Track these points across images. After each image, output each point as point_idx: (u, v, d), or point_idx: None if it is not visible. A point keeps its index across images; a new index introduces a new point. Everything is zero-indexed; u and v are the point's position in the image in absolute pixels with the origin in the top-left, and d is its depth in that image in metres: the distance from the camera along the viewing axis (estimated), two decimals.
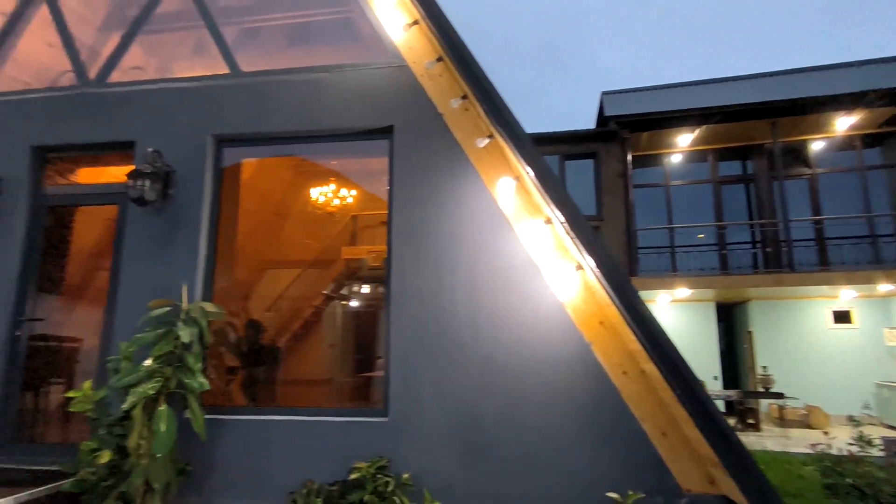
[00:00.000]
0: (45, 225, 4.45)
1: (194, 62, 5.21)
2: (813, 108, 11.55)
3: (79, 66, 4.68)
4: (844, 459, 4.98)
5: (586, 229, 3.28)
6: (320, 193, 9.89)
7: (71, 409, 3.45)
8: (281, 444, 3.65)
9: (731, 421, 11.81)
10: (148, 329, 3.61)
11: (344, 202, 9.96)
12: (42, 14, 5.04)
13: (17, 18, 5.01)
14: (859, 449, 5.06)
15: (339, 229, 11.72)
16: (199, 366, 3.53)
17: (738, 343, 14.42)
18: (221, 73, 4.43)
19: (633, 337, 3.23)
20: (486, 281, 3.73)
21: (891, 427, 11.59)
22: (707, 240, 13.18)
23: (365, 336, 11.99)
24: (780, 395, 11.32)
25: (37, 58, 5.27)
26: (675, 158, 13.63)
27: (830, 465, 4.97)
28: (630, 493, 3.12)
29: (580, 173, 12.58)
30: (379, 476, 3.29)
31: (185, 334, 3.49)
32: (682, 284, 11.47)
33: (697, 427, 2.90)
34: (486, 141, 3.75)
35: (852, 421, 6.89)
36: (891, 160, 12.57)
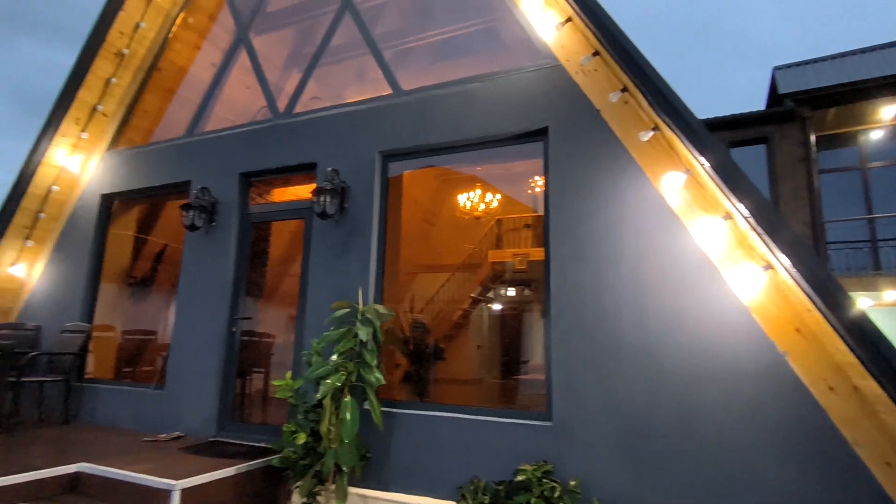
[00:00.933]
0: (250, 238, 5.25)
1: (362, 86, 5.76)
2: None
3: (271, 102, 5.46)
4: None
5: (777, 223, 2.91)
6: (467, 199, 10.22)
7: (276, 396, 4.01)
8: (448, 439, 3.82)
9: None
10: (332, 328, 4.05)
11: (489, 207, 10.17)
12: (241, 61, 6.00)
13: (224, 67, 6.02)
14: None
15: (485, 233, 11.99)
16: (374, 362, 3.87)
17: None
18: (385, 93, 4.82)
19: (842, 347, 2.77)
20: (653, 281, 3.50)
21: None
22: None
23: (511, 338, 12.09)
24: None
25: (238, 98, 6.29)
26: (875, 136, 11.39)
27: None
28: None
29: (749, 161, 11.16)
30: (544, 480, 3.27)
31: (363, 333, 3.85)
32: (890, 286, 9.55)
33: None
34: (651, 133, 3.53)
35: None
36: None
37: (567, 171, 3.91)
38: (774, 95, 11.70)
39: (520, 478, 3.34)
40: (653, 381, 3.39)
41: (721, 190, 3.10)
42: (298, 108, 5.30)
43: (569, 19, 3.96)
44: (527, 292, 12.18)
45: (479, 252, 12.09)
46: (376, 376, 3.79)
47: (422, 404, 4.12)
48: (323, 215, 4.41)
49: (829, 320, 2.75)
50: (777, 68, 12.11)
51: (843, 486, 2.88)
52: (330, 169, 4.53)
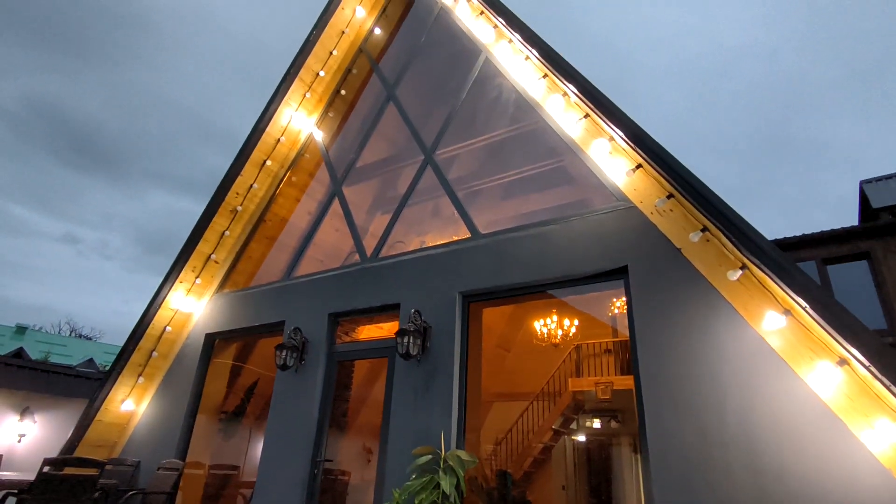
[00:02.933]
0: (335, 376, 5.42)
1: (442, 230, 6.18)
2: None
3: (360, 247, 5.96)
4: None
5: None
6: (543, 325, 10.06)
7: None
8: None
9: None
10: (414, 476, 3.93)
11: (567, 333, 9.92)
12: (333, 208, 6.71)
13: (320, 217, 6.74)
14: None
15: (563, 359, 11.55)
16: None
17: None
18: (464, 237, 5.13)
19: None
20: (766, 435, 3.15)
21: None
22: None
23: (599, 477, 10.95)
24: None
25: (328, 240, 6.93)
26: None
27: None
28: None
29: (850, 278, 10.32)
30: None
31: (446, 484, 3.69)
32: None
33: None
34: (739, 273, 3.43)
35: None
36: None
37: (653, 310, 3.82)
38: (867, 209, 11.10)
39: None
40: None
41: (828, 332, 2.88)
42: (384, 252, 5.72)
43: (639, 166, 4.16)
44: (613, 424, 11.25)
45: (559, 380, 11.56)
46: None
47: None
48: (406, 356, 4.51)
49: None
50: (864, 182, 11.65)
51: None
52: (413, 310, 4.73)
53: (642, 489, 3.48)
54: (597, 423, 11.50)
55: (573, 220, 4.50)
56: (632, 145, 4.01)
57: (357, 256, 5.95)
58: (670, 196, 3.90)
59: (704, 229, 3.66)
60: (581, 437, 12.05)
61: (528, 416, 11.46)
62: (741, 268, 3.43)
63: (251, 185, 7.16)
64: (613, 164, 4.44)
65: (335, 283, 5.80)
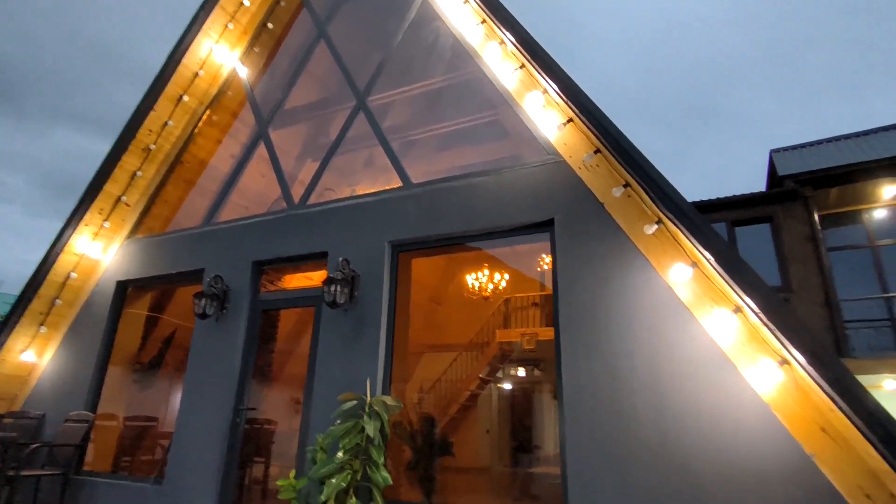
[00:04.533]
0: (258, 326, 5.27)
1: (373, 178, 6.02)
2: None
3: (286, 192, 5.70)
4: None
5: (787, 317, 2.89)
6: (475, 280, 10.27)
7: (280, 497, 3.84)
8: None
9: None
10: (339, 421, 3.95)
11: (497, 286, 10.19)
12: (259, 152, 6.33)
13: (244, 160, 6.35)
14: None
15: (493, 312, 11.93)
16: (381, 459, 3.73)
17: None
18: (395, 186, 5.03)
19: (873, 452, 2.64)
20: (669, 377, 3.42)
21: None
22: None
23: (521, 421, 11.64)
24: None
25: (254, 186, 6.57)
26: (879, 214, 11.51)
27: None
28: None
29: (755, 240, 11.24)
30: None
31: (370, 428, 3.74)
32: None
33: None
34: (655, 227, 3.61)
35: None
36: None
37: (575, 263, 3.96)
38: (774, 176, 12.01)
39: None
40: (671, 481, 3.22)
41: (728, 283, 3.12)
42: (313, 199, 5.51)
43: (570, 120, 4.19)
44: (536, 372, 11.90)
45: (487, 331, 11.97)
46: (383, 475, 3.64)
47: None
48: (333, 305, 4.44)
49: (852, 421, 2.65)
50: (774, 151, 12.54)
51: None
52: (341, 259, 4.62)
53: (558, 426, 3.70)
54: (521, 372, 12.12)
55: (504, 172, 4.51)
56: (564, 99, 4.03)
57: (284, 203, 5.69)
58: (597, 151, 3.99)
59: (626, 185, 3.79)
60: (506, 385, 12.70)
61: (457, 365, 11.86)
62: (657, 222, 3.61)
63: (166, 122, 6.58)
64: (546, 117, 4.45)
65: (260, 230, 5.54)
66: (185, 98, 6.63)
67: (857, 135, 12.31)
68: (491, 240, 4.56)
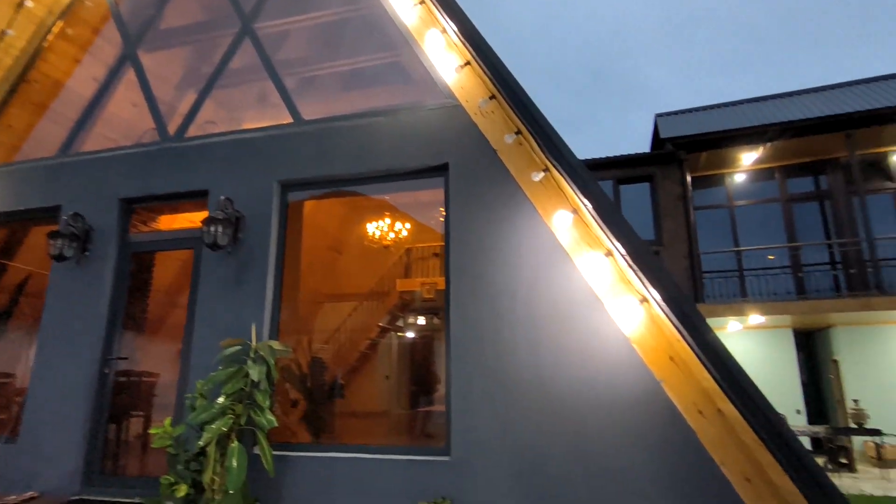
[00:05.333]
0: (129, 270, 4.80)
1: (261, 113, 5.57)
2: (890, 119, 10.78)
3: (160, 123, 5.11)
4: None
5: (650, 261, 3.18)
6: (375, 228, 10.16)
7: (153, 446, 3.63)
8: (344, 481, 3.67)
9: (820, 460, 10.79)
10: (221, 367, 3.78)
11: (398, 236, 10.18)
12: (128, 77, 5.58)
13: (108, 83, 5.56)
14: None
15: (394, 262, 11.96)
16: (267, 403, 3.65)
17: (823, 373, 13.29)
18: (285, 122, 4.71)
19: (706, 374, 3.05)
20: (546, 316, 3.66)
21: None
22: (779, 262, 12.38)
23: (421, 367, 12.03)
24: (876, 432, 10.27)
25: (125, 117, 5.83)
26: (739, 178, 13.02)
27: None
28: None
29: (636, 197, 12.25)
30: None
31: (255, 372, 3.63)
32: (755, 311, 10.79)
33: (786, 473, 2.67)
34: (542, 175, 3.75)
35: None
36: None
37: (466, 207, 4.03)
38: (657, 139, 13.02)
39: None
40: (547, 412, 3.51)
41: (602, 229, 3.35)
42: (191, 132, 5.01)
43: (467, 63, 4.15)
44: (435, 321, 12.26)
45: (388, 281, 12.03)
46: (268, 418, 3.57)
47: (318, 446, 3.94)
48: (213, 246, 4.15)
49: (694, 349, 3.03)
50: (659, 115, 13.53)
51: (710, 501, 3.13)
52: (223, 197, 4.30)
53: (445, 366, 3.84)
54: (421, 320, 12.41)
55: (401, 113, 4.40)
56: (462, 40, 3.96)
57: (157, 135, 5.11)
58: (492, 97, 4.00)
59: (518, 132, 3.86)
60: (408, 334, 12.97)
61: (358, 314, 11.85)
62: (544, 170, 3.74)
63: (4, 31, 5.53)
64: (445, 59, 4.36)
65: (129, 165, 4.96)
66: (29, 3, 5.59)
67: (729, 104, 13.60)
68: (386, 183, 4.48)
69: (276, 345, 3.89)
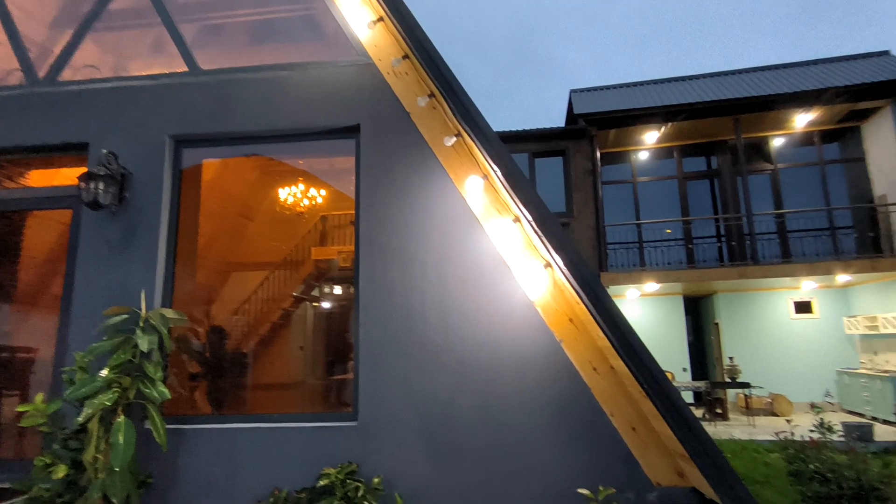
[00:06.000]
0: None
1: (151, 60, 5.02)
2: (774, 105, 11.92)
3: (27, 64, 4.45)
4: (807, 446, 5.14)
5: (554, 227, 3.29)
6: (289, 194, 9.72)
7: (22, 425, 3.28)
8: (247, 452, 3.55)
9: (700, 411, 12.13)
10: (105, 338, 3.46)
11: (313, 202, 9.82)
12: None
13: None
14: (820, 435, 5.24)
15: (309, 230, 11.56)
16: (159, 374, 3.40)
17: (706, 335, 14.82)
18: (180, 71, 4.28)
19: (601, 334, 3.25)
20: (456, 280, 3.70)
21: (851, 413, 12.08)
22: (674, 235, 13.49)
23: (337, 337, 11.87)
24: (746, 385, 11.67)
25: None
26: (643, 155, 13.89)
27: (795, 452, 5.13)
28: (601, 488, 3.14)
29: (550, 171, 12.70)
30: (348, 481, 3.24)
31: (144, 342, 3.36)
32: (651, 279, 11.71)
33: (665, 421, 2.93)
34: (454, 139, 3.72)
35: (814, 408, 7.13)
36: (848, 155, 13.09)
37: (378, 171, 3.92)
38: (571, 114, 13.48)
39: (323, 482, 3.25)
40: (454, 375, 3.58)
41: (510, 196, 3.41)
42: (67, 76, 4.41)
43: (381, 18, 3.98)
44: (352, 290, 12.10)
45: (303, 249, 11.63)
46: (160, 391, 3.33)
47: (218, 417, 3.76)
48: (94, 205, 3.73)
49: (591, 311, 3.21)
50: (573, 91, 13.98)
51: (600, 448, 3.38)
52: (105, 151, 3.85)
53: (353, 333, 3.79)
54: (338, 290, 12.18)
55: (310, 69, 4.15)
56: None
57: (23, 78, 4.45)
58: (406, 57, 3.89)
59: (431, 95, 3.80)
60: (322, 303, 12.69)
61: (270, 284, 11.39)
62: (456, 135, 3.72)
63: None
64: (358, 14, 4.15)
65: None
66: None
67: (638, 84, 14.33)
68: (294, 143, 4.24)
69: (169, 313, 3.61)
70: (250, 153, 4.66)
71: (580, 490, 3.17)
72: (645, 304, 13.83)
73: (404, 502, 3.35)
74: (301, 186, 9.68)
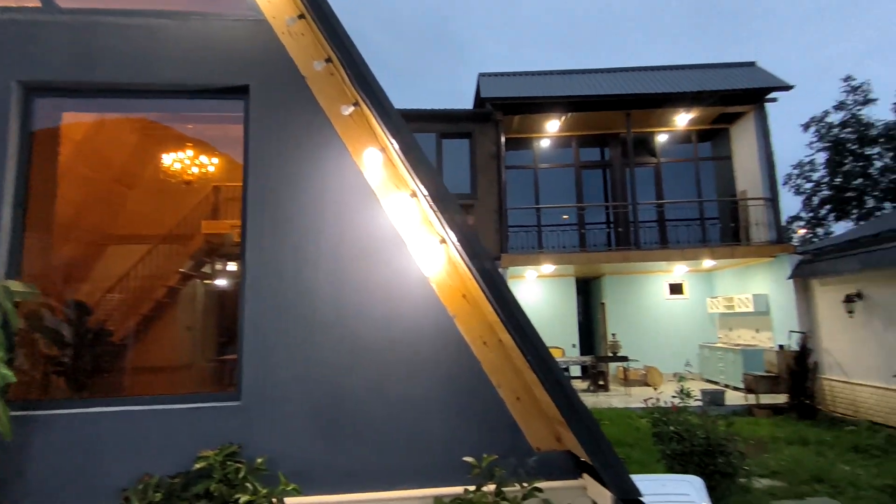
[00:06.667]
0: None
1: None
2: (659, 103, 12.97)
3: None
4: (669, 411, 5.76)
5: (449, 204, 3.31)
6: (175, 160, 8.89)
7: None
8: (112, 438, 3.23)
9: (585, 383, 13.15)
10: None
11: (203, 171, 9.07)
12: None
13: None
14: (680, 401, 5.90)
15: (199, 201, 10.70)
16: (2, 355, 2.97)
17: (595, 314, 16.01)
18: (31, 6, 3.69)
19: (491, 309, 3.35)
20: (351, 255, 3.61)
21: (709, 381, 13.74)
22: (571, 220, 14.33)
23: (230, 316, 11.20)
24: (625, 359, 12.81)
25: None
26: (544, 143, 14.51)
27: (658, 417, 5.72)
28: (485, 455, 3.27)
29: (457, 152, 12.84)
30: (229, 463, 3.07)
31: None
32: (547, 261, 12.37)
33: (546, 390, 3.11)
34: (351, 109, 3.60)
35: (679, 378, 7.99)
36: (718, 153, 14.65)
37: (269, 136, 3.69)
38: (479, 98, 13.68)
39: (199, 465, 3.06)
40: (348, 351, 3.52)
41: (408, 170, 3.37)
42: None
43: None
44: None
45: (192, 222, 10.75)
46: (3, 373, 2.91)
47: (78, 401, 3.38)
48: None
49: (482, 287, 3.29)
50: (482, 74, 14.17)
51: (488, 418, 3.52)
52: None
53: (238, 309, 3.57)
54: (231, 266, 11.45)
55: (192, 20, 3.77)
56: None
57: None
58: (301, 16, 3.66)
59: (328, 60, 3.62)
60: (214, 281, 11.88)
61: (153, 259, 10.42)
62: (354, 104, 3.60)
63: None
64: None
65: None
66: None
67: (545, 73, 14.85)
68: (173, 100, 3.86)
69: (15, 285, 3.15)
70: (121, 109, 4.17)
71: (465, 458, 3.27)
72: (542, 285, 14.62)
73: (294, 482, 3.26)
74: (189, 153, 8.89)
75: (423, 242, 3.65)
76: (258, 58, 3.75)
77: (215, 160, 9.24)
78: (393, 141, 3.32)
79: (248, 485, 3.03)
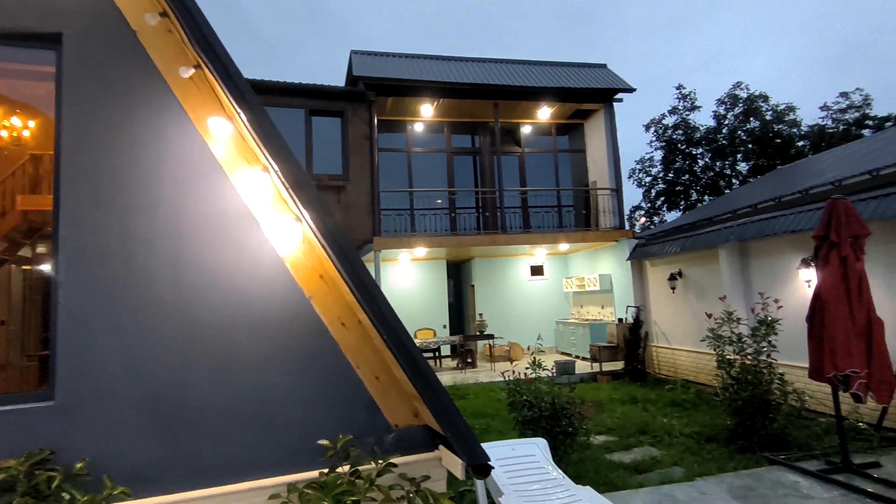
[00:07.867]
0: None
1: None
2: (522, 96, 13.75)
3: None
4: (523, 382, 6.23)
5: (302, 181, 3.17)
6: None
7: None
8: None
9: (455, 361, 13.71)
10: None
11: (15, 135, 7.62)
12: None
13: None
14: (532, 372, 6.40)
15: (13, 172, 9.02)
16: None
17: (464, 295, 16.71)
18: None
19: (348, 290, 3.30)
20: (193, 234, 3.30)
21: (563, 353, 15.13)
22: (442, 204, 14.68)
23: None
24: (490, 336, 13.57)
25: None
26: (418, 127, 14.62)
27: (513, 388, 6.16)
28: (340, 436, 3.24)
29: (328, 131, 12.40)
30: (37, 472, 2.66)
31: None
32: (420, 244, 12.57)
33: (402, 367, 3.16)
34: (192, 71, 3.25)
35: (533, 351, 8.66)
36: (574, 146, 15.99)
37: (90, 97, 3.20)
38: (351, 76, 13.31)
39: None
40: (188, 339, 3.22)
41: (258, 145, 3.16)
42: None
43: None
44: None
45: (5, 196, 9.05)
46: None
47: None
48: None
49: (338, 267, 3.22)
50: (354, 52, 13.79)
51: (346, 399, 3.48)
52: None
53: (50, 296, 3.08)
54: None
55: None
56: None
57: None
58: None
59: (164, 14, 3.23)
60: (41, 267, 10.17)
61: None
62: (195, 66, 3.26)
63: None
64: None
65: None
66: None
67: (421, 56, 14.86)
68: None
69: None
70: None
71: (320, 441, 3.21)
72: (414, 268, 14.84)
73: (125, 484, 2.92)
74: None
75: (278, 221, 3.46)
76: (74, 2, 3.21)
77: (32, 123, 7.82)
78: (240, 111, 3.07)
79: (63, 494, 2.66)
